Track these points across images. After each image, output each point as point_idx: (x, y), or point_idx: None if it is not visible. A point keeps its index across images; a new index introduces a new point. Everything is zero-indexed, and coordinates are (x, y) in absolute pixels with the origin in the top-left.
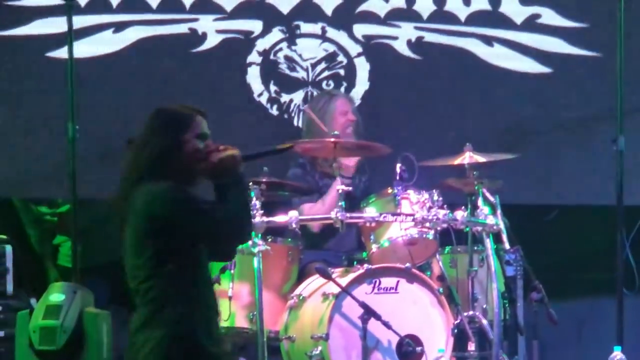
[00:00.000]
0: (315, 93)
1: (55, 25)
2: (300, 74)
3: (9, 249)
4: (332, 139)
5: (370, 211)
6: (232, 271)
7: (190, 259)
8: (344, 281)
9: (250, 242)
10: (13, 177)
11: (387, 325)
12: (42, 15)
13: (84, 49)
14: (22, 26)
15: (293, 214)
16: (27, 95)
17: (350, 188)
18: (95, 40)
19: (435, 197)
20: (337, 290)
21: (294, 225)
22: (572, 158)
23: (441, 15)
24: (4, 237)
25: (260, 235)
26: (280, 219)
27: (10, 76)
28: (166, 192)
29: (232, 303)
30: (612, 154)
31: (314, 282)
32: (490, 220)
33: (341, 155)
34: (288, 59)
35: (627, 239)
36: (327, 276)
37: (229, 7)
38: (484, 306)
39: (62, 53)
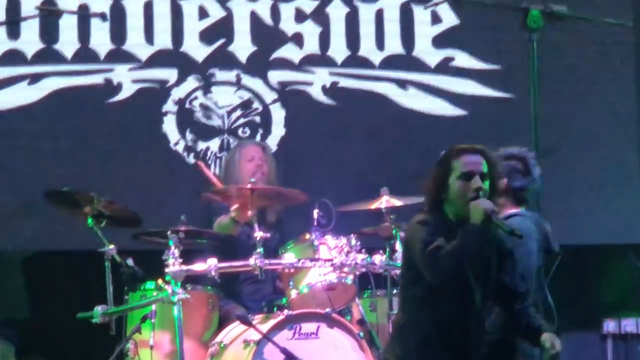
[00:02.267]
0: (231, 140)
1: None
2: (216, 121)
3: None
4: (249, 186)
5: (289, 257)
6: (152, 320)
7: None
8: (265, 327)
9: (169, 291)
10: None
11: None
12: None
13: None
14: None
15: (212, 262)
16: None
17: (269, 235)
18: (11, 91)
19: (353, 242)
20: (258, 336)
21: (213, 273)
22: None
23: (355, 60)
24: None
25: (179, 283)
26: (199, 267)
27: None
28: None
29: (154, 352)
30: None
31: (234, 329)
32: None
33: (258, 202)
34: (204, 107)
35: (545, 279)
36: (248, 323)
37: (143, 57)
38: None
39: None
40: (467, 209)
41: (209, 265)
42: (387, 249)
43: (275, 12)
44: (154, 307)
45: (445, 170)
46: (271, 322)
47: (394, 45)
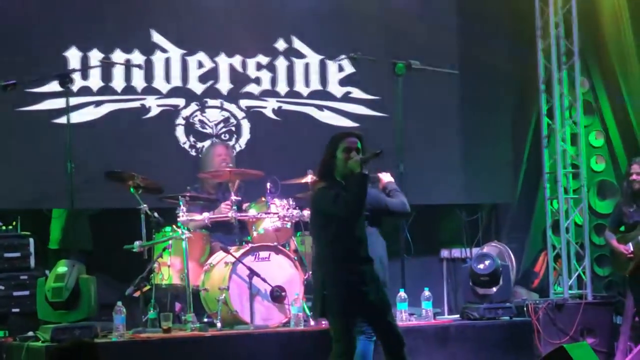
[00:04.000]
0: (217, 141)
1: (57, 103)
2: (208, 130)
3: (32, 240)
4: (229, 169)
5: (252, 212)
6: (170, 250)
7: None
8: (237, 254)
9: (180, 232)
10: (35, 197)
11: (264, 280)
12: (50, 97)
13: (75, 117)
14: (37, 104)
15: (205, 215)
16: (36, 147)
17: (240, 198)
18: (83, 112)
19: (291, 202)
20: (233, 260)
21: (206, 222)
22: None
23: (292, 93)
24: (28, 233)
25: (186, 227)
26: (198, 217)
27: (30, 133)
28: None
29: (170, 269)
30: (396, 175)
31: (219, 255)
32: None
33: (233, 178)
34: (201, 121)
35: (405, 223)
36: (227, 251)
37: (164, 91)
38: None
39: (62, 120)
40: (349, 168)
41: (204, 216)
42: None
43: (244, 64)
44: (170, 242)
45: (335, 146)
46: (241, 251)
47: (315, 84)
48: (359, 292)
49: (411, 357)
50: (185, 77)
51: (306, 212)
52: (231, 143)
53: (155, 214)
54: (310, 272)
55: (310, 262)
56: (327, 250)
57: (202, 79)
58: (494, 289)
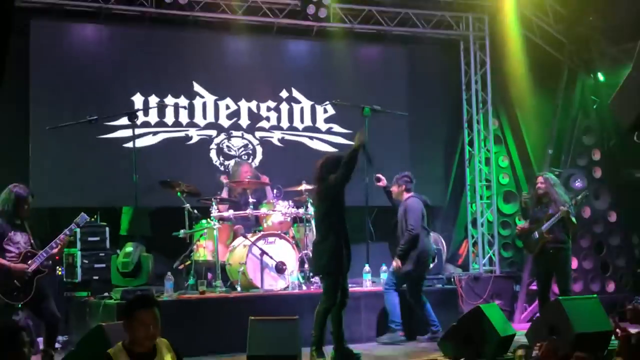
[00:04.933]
0: (239, 161)
1: (126, 133)
2: (233, 152)
3: (107, 229)
4: (247, 180)
5: (263, 210)
6: (205, 236)
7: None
8: (253, 239)
9: (212, 223)
10: (110, 198)
11: (271, 257)
12: (121, 129)
13: (139, 143)
14: (112, 133)
15: (231, 211)
16: (111, 163)
17: (255, 200)
18: (144, 139)
19: (290, 203)
20: (249, 243)
21: (231, 216)
22: None
23: (291, 127)
24: (104, 223)
25: (217, 220)
26: (225, 213)
27: (107, 154)
28: None
29: (205, 250)
30: (362, 185)
31: (239, 239)
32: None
33: (252, 186)
34: (227, 146)
35: (370, 217)
36: (245, 237)
37: (202, 124)
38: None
39: (129, 144)
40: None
41: (230, 213)
42: (304, 207)
43: (258, 107)
44: (205, 230)
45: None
46: (255, 237)
47: (307, 121)
48: (348, 258)
49: (368, 310)
50: (216, 115)
51: (301, 210)
52: (250, 161)
53: (195, 211)
54: (316, 242)
55: (303, 245)
56: (335, 226)
57: (229, 117)
58: (431, 266)
